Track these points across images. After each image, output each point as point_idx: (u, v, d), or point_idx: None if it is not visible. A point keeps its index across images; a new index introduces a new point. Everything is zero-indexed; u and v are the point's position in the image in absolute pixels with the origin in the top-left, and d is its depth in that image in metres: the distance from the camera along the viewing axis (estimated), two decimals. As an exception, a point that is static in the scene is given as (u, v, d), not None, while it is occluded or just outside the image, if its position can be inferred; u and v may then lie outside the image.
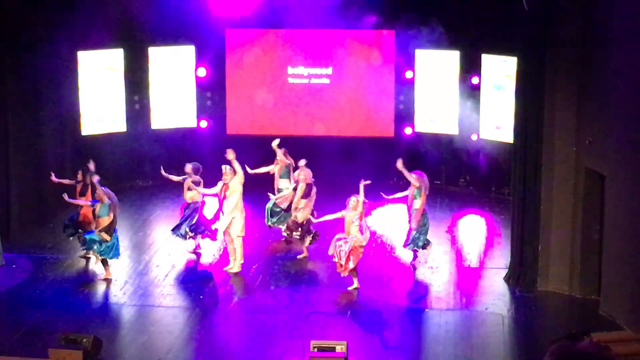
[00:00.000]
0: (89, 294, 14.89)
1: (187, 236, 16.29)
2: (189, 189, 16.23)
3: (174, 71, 20.39)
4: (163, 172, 16.74)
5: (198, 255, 16.42)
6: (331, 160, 19.05)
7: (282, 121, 20.82)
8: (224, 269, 15.63)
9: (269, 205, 16.80)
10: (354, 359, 12.36)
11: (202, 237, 16.37)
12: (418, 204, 15.72)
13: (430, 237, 15.97)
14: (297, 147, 18.13)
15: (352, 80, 20.54)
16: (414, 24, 19.02)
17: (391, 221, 17.96)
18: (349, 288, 14.84)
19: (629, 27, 13.23)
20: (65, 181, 16.37)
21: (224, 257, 16.09)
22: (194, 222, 16.22)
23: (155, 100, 20.32)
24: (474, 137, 19.39)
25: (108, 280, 15.19)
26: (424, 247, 15.83)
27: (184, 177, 16.43)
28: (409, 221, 15.85)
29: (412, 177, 15.73)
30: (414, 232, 15.73)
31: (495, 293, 14.93)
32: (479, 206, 19.10)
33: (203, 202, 16.43)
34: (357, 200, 14.71)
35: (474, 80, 19.33)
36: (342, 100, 20.63)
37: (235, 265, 15.54)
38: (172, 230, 16.47)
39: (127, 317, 14.22)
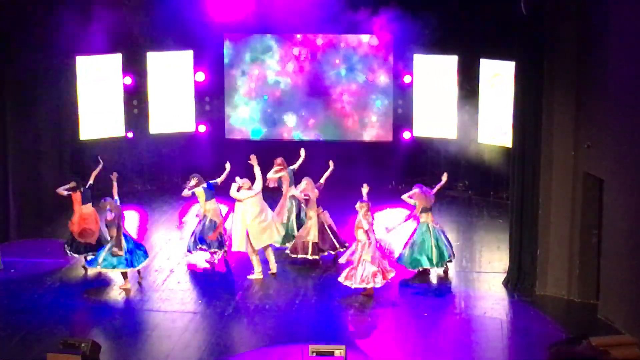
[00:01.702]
0: (87, 298, 14.89)
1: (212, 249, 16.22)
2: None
3: (172, 76, 20.41)
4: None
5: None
6: (328, 165, 19.03)
7: (281, 126, 20.84)
8: (250, 277, 15.60)
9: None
10: (353, 363, 12.36)
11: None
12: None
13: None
14: (295, 151, 18.12)
15: (350, 85, 20.56)
16: (412, 29, 19.06)
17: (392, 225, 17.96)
18: (364, 293, 14.87)
19: (627, 30, 13.24)
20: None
21: (222, 261, 16.11)
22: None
23: (154, 105, 20.34)
24: (472, 142, 19.40)
25: (127, 290, 15.09)
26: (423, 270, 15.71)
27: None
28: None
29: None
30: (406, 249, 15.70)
31: (493, 297, 14.93)
32: (478, 210, 19.10)
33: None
34: (360, 205, 14.76)
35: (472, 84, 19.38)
36: (341, 104, 20.65)
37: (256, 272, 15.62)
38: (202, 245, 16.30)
39: (125, 321, 14.20)
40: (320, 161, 18.61)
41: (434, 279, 15.66)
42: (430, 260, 15.45)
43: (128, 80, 19.87)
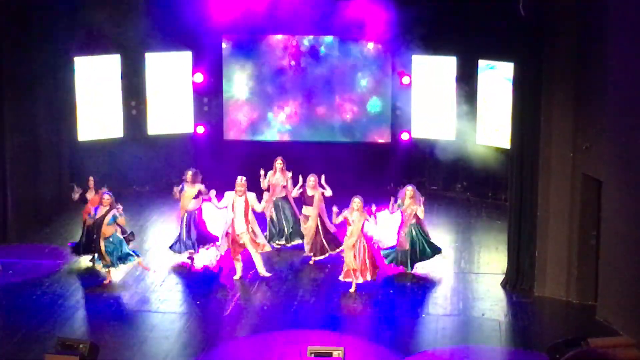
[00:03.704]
0: (86, 299, 14.88)
1: (187, 251, 16.31)
2: (196, 196, 16.19)
3: (170, 77, 20.40)
4: (176, 192, 16.38)
5: (192, 259, 16.37)
6: (327, 166, 19.02)
7: (279, 127, 20.83)
8: (235, 277, 15.63)
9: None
10: (351, 364, 12.36)
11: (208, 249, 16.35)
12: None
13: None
14: (294, 152, 18.14)
15: (348, 86, 20.56)
16: (411, 30, 19.06)
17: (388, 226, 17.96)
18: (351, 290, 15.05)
19: (625, 32, 13.25)
20: (78, 194, 16.32)
21: (221, 263, 16.09)
22: (195, 236, 16.26)
23: (152, 105, 20.33)
24: (470, 143, 19.39)
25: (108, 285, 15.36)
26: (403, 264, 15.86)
27: (180, 187, 16.37)
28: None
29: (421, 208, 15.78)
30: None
31: (492, 299, 14.94)
32: (476, 212, 19.10)
33: (200, 211, 16.42)
34: (361, 202, 14.84)
35: (470, 85, 19.38)
36: (339, 106, 20.65)
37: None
38: (171, 247, 16.44)
39: (123, 322, 14.21)
40: (318, 162, 18.66)
41: (431, 280, 15.66)
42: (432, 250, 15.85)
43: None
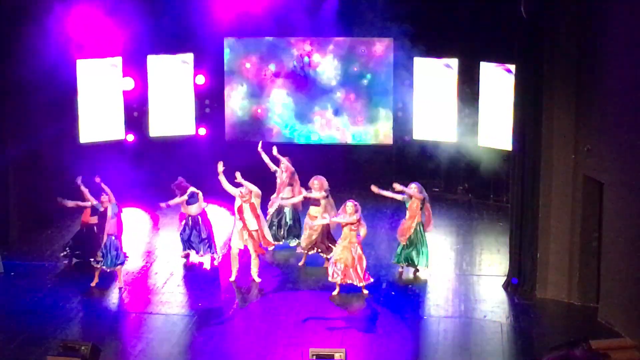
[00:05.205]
0: (87, 301, 14.89)
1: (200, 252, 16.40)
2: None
3: (172, 79, 20.42)
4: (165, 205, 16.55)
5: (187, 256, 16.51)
6: (329, 168, 19.04)
7: (280, 128, 20.85)
8: (230, 279, 15.63)
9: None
10: (353, 366, 12.37)
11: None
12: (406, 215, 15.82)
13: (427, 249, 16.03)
14: (295, 154, 18.14)
15: (350, 88, 20.58)
16: (413, 32, 19.09)
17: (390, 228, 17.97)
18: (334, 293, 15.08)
19: (626, 34, 13.26)
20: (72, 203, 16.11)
21: (222, 265, 16.11)
22: (205, 237, 16.32)
23: (154, 108, 20.35)
24: (471, 145, 19.41)
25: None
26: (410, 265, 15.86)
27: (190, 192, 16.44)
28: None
29: (411, 190, 15.70)
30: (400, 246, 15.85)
31: (493, 300, 14.94)
32: (478, 214, 19.11)
33: (204, 215, 16.52)
34: (354, 205, 14.84)
35: (471, 88, 19.39)
36: (341, 107, 20.66)
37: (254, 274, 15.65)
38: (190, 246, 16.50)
39: (125, 324, 14.23)
40: (320, 164, 18.68)
41: (433, 282, 15.67)
42: (425, 258, 15.75)
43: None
